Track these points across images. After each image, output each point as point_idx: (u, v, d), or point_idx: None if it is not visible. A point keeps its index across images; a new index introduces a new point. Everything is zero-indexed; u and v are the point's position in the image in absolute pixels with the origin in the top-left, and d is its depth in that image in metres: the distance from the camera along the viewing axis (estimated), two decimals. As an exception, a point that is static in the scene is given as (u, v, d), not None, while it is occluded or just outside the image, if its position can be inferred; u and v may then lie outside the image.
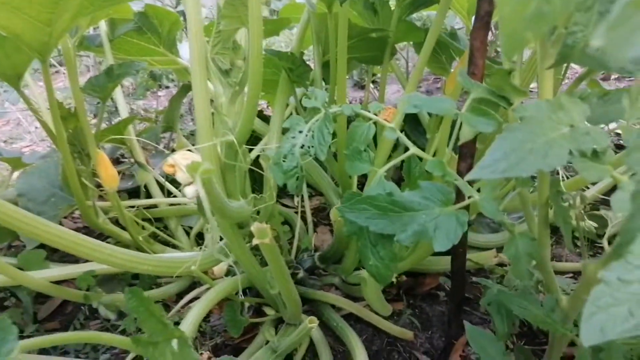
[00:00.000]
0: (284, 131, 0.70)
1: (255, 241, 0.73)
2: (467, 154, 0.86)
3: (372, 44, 1.27)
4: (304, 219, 1.44)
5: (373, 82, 2.37)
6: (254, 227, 0.73)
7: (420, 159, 0.67)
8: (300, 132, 0.63)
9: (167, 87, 2.79)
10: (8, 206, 0.77)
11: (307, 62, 1.22)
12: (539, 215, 0.65)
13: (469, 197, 0.59)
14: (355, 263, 1.13)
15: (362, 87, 2.72)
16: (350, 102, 2.42)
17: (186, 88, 1.64)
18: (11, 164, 1.59)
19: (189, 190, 0.88)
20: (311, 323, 0.84)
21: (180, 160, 0.87)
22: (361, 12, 1.39)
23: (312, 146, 0.62)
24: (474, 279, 1.23)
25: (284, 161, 0.62)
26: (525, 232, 0.62)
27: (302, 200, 1.48)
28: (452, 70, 1.60)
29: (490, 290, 0.73)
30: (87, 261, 1.19)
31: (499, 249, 1.21)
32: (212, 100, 0.86)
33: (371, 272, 0.62)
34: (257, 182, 1.38)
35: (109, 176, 1.11)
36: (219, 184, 0.87)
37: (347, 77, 1.34)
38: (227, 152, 0.86)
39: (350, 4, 1.27)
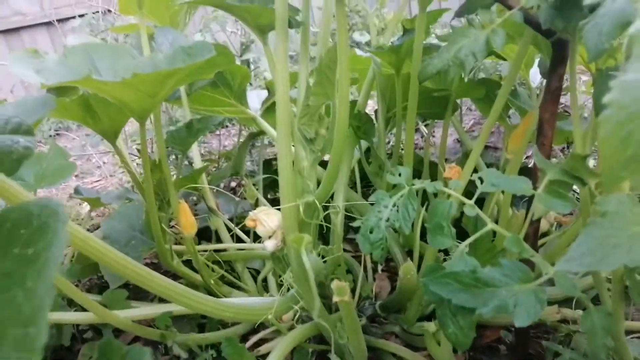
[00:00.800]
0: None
1: (335, 299, 0.79)
2: (534, 218, 0.90)
3: (436, 101, 1.33)
4: (361, 264, 1.48)
5: (426, 125, 2.42)
6: (334, 284, 0.79)
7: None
8: (386, 206, 0.69)
9: (226, 126, 2.93)
10: (100, 243, 0.84)
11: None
12: (613, 290, 0.68)
13: (546, 274, 0.63)
14: (418, 315, 1.17)
15: (415, 130, 2.77)
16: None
17: (251, 136, 1.74)
18: (90, 203, 1.72)
19: (270, 244, 0.95)
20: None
21: (262, 217, 0.95)
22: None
23: (397, 220, 0.67)
24: (535, 332, 1.23)
25: (370, 233, 0.67)
26: (601, 307, 0.65)
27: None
28: (508, 118, 1.63)
29: (563, 356, 0.75)
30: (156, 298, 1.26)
31: (561, 304, 1.21)
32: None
33: (450, 339, 0.66)
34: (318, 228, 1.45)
35: (188, 223, 1.19)
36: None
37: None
38: (306, 210, 0.93)
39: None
